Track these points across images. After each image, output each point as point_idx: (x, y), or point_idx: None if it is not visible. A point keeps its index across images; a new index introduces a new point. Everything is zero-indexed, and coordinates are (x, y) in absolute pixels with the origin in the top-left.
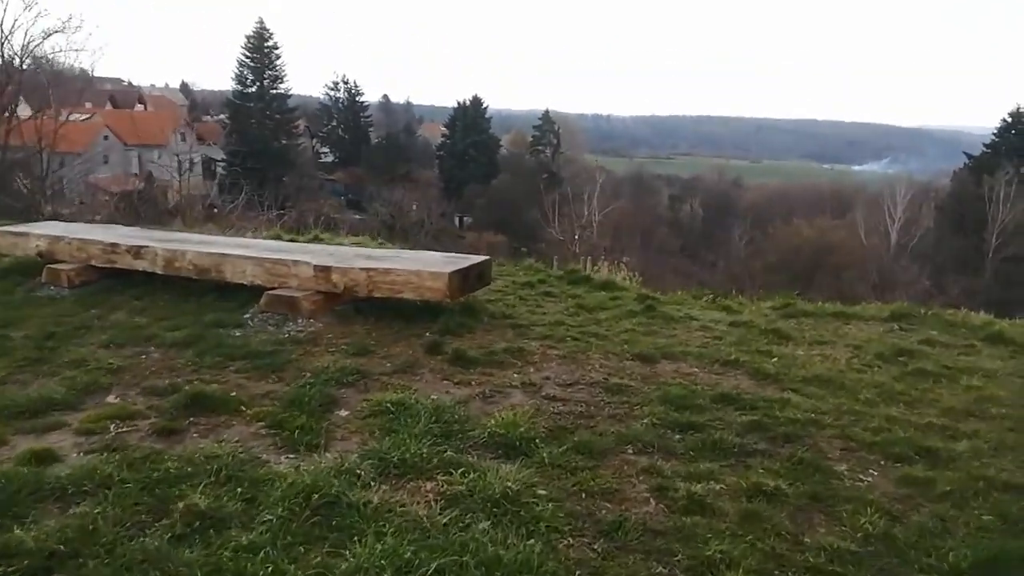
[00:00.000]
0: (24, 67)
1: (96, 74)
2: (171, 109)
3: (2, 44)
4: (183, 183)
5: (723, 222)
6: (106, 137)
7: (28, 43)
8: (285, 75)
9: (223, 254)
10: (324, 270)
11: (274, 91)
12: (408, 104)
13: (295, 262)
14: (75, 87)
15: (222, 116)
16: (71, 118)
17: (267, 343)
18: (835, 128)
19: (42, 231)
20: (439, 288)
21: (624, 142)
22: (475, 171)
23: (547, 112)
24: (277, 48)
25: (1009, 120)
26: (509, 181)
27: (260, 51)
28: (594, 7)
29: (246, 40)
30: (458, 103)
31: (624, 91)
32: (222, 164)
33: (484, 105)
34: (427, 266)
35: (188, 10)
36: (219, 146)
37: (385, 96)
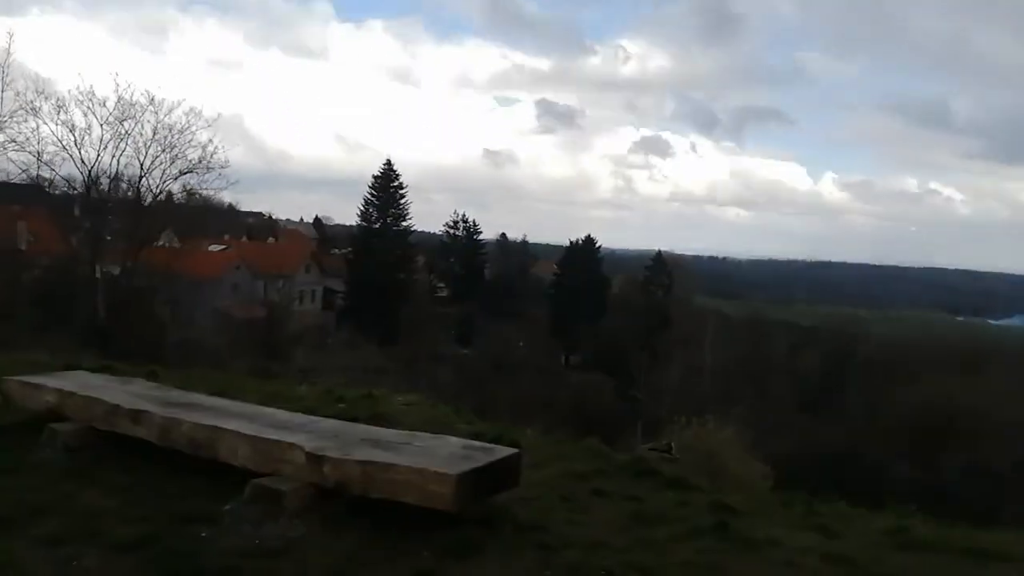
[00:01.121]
0: (157, 202)
1: (242, 208)
2: (301, 242)
3: (139, 182)
4: (302, 313)
5: (844, 375)
6: (238, 267)
7: (164, 182)
8: (408, 213)
9: (218, 427)
10: (316, 460)
11: (396, 228)
12: (524, 242)
13: (291, 445)
14: (205, 220)
15: (348, 250)
16: (211, 248)
17: (230, 553)
18: (967, 278)
19: (57, 384)
20: (443, 494)
21: (740, 285)
22: (584, 310)
23: (659, 253)
24: (402, 188)
25: None
26: (617, 322)
27: (386, 190)
28: (706, 152)
29: (373, 180)
30: (571, 242)
31: (741, 233)
32: (341, 296)
33: (597, 244)
34: (433, 463)
35: (330, 152)
36: (342, 279)
37: (503, 234)
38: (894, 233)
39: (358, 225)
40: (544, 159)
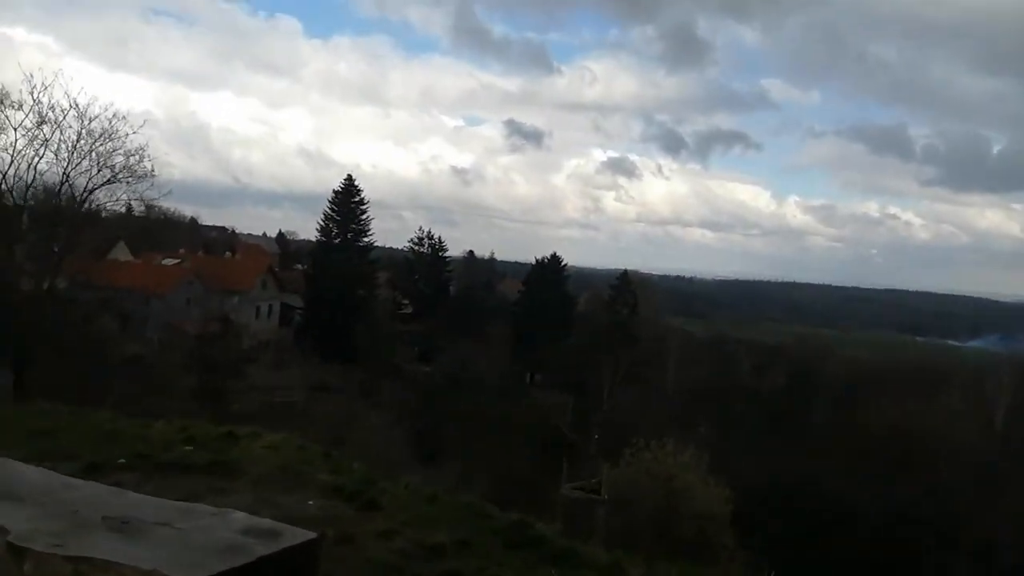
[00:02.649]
0: (108, 214)
1: (204, 222)
2: (258, 256)
3: (59, 189)
4: (258, 329)
5: (807, 396)
6: (191, 282)
7: (89, 190)
8: (370, 229)
9: None
10: (18, 552)
11: (358, 244)
12: (492, 259)
13: None
14: (158, 233)
15: (308, 265)
16: (164, 262)
17: None
18: (927, 300)
19: None
20: None
21: (707, 304)
22: (548, 329)
23: (625, 272)
24: (364, 203)
25: None
26: (582, 341)
27: (347, 205)
28: (672, 174)
29: (334, 195)
30: (536, 260)
31: (707, 254)
32: (299, 312)
33: (563, 263)
34: (175, 558)
35: (297, 168)
36: (301, 294)
37: (470, 252)
38: (856, 255)
39: (317, 240)
40: (512, 178)
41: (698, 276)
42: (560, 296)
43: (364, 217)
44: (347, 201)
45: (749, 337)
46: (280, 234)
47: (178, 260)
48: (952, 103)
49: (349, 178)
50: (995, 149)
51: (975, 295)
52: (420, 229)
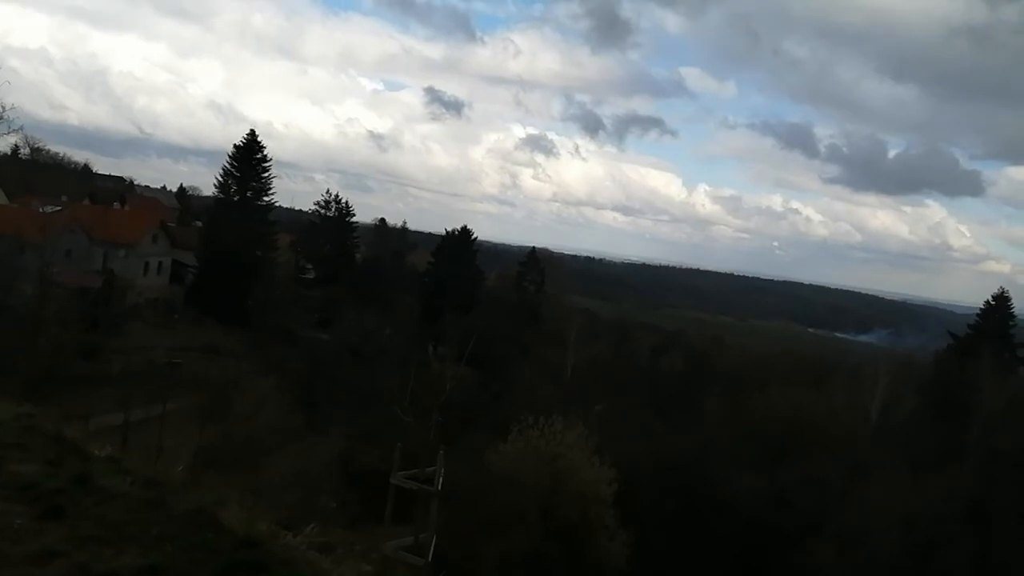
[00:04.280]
0: None
1: (99, 171)
2: (151, 210)
3: None
4: (146, 286)
5: (701, 381)
6: (72, 231)
7: None
8: (271, 188)
9: None
10: None
11: (258, 203)
12: (404, 229)
13: None
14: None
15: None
16: (41, 209)
17: None
18: (820, 293)
19: None
20: None
21: (614, 286)
22: (455, 301)
23: (533, 250)
24: (266, 161)
25: (993, 303)
26: (487, 315)
27: (247, 162)
28: (589, 155)
29: (234, 150)
30: (447, 232)
31: (617, 236)
32: (193, 270)
33: (473, 236)
34: None
35: (206, 122)
36: (195, 252)
37: (382, 219)
38: (758, 246)
39: (215, 196)
40: (430, 147)
41: (607, 257)
42: (468, 270)
43: (266, 175)
44: (248, 157)
45: (651, 320)
46: (181, 189)
47: (57, 207)
48: (856, 105)
49: (252, 133)
50: (892, 153)
51: (864, 291)
52: (327, 192)
